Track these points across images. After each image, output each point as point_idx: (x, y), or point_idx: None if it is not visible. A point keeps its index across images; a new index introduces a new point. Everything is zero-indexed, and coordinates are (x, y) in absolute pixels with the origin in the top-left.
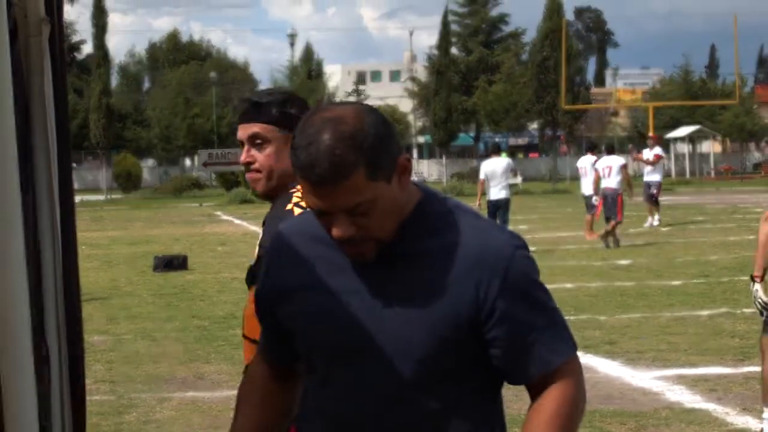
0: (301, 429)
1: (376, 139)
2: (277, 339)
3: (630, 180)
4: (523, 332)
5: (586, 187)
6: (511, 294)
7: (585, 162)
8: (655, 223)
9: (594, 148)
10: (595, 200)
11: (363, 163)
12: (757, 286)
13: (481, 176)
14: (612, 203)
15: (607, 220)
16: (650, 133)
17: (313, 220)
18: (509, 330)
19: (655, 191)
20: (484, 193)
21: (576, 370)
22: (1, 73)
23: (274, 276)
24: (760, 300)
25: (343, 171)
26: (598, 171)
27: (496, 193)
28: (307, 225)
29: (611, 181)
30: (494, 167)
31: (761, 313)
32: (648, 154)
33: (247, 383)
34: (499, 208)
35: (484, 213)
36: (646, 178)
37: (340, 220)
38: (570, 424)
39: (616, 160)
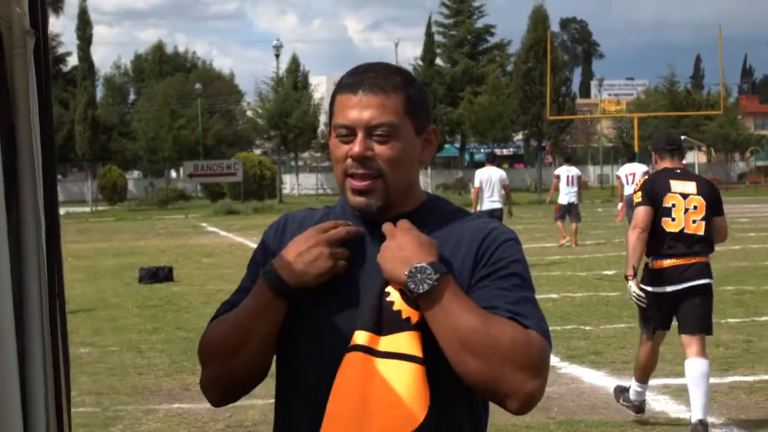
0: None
1: (421, 91)
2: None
3: None
4: (494, 297)
5: (563, 197)
6: (494, 272)
7: (561, 171)
8: None
9: (570, 159)
10: (619, 206)
11: (405, 95)
12: (631, 283)
13: (476, 184)
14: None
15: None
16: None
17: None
18: (485, 295)
19: None
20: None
21: (545, 345)
22: None
23: (272, 246)
24: (634, 294)
25: (390, 83)
26: (621, 178)
27: (491, 203)
28: (313, 213)
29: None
30: (490, 175)
31: (637, 305)
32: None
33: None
34: (493, 218)
35: None
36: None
37: (360, 140)
38: (524, 352)
39: (639, 167)
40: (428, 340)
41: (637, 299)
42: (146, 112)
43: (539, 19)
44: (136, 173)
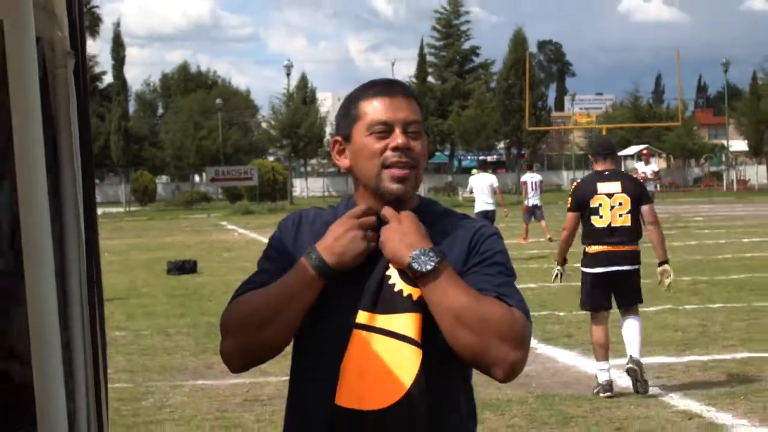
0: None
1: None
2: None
3: None
4: (483, 281)
5: (530, 201)
6: (482, 261)
7: (527, 178)
8: None
9: (531, 167)
10: None
11: (418, 104)
12: (557, 267)
13: (468, 188)
14: None
15: None
16: (644, 151)
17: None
18: (475, 279)
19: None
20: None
21: (526, 321)
22: (31, 101)
23: (289, 233)
24: (557, 271)
25: (411, 92)
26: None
27: (486, 205)
28: (321, 212)
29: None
30: (482, 181)
31: (581, 299)
32: (644, 168)
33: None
34: (486, 219)
35: None
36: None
37: (399, 134)
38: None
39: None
40: (426, 324)
41: (555, 276)
42: (173, 124)
43: (519, 41)
44: (164, 178)
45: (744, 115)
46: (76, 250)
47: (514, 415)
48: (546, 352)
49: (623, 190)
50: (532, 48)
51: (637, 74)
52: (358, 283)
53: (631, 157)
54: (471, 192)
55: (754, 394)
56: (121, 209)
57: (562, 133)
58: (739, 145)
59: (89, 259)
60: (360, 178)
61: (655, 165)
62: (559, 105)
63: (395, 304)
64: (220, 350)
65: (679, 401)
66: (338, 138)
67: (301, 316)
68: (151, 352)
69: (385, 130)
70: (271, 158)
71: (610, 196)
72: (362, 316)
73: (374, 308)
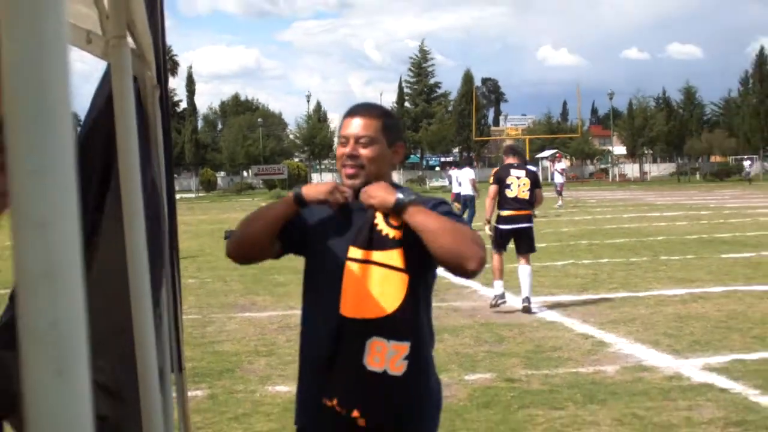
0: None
1: (394, 119)
2: (293, 234)
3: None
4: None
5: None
6: (436, 211)
7: (454, 173)
8: (560, 203)
9: (458, 165)
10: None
11: (381, 122)
12: (486, 227)
13: (453, 179)
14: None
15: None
16: (557, 154)
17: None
18: None
19: (560, 187)
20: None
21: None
22: (129, 120)
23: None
24: (488, 232)
25: (373, 113)
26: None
27: (466, 192)
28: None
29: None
30: (464, 175)
31: (491, 241)
32: (557, 165)
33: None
34: (467, 201)
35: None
36: (556, 180)
37: (351, 144)
38: (460, 232)
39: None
40: (407, 257)
41: (488, 234)
42: (228, 136)
43: (468, 78)
44: (222, 173)
45: (623, 129)
46: (162, 222)
47: (465, 336)
48: (487, 293)
49: (526, 176)
50: (477, 82)
51: (549, 101)
52: (351, 230)
53: (546, 158)
54: (457, 182)
55: (631, 322)
56: (192, 195)
57: (498, 141)
58: (619, 150)
59: (171, 228)
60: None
61: (564, 164)
62: (496, 122)
63: (383, 242)
64: (226, 249)
65: (579, 327)
66: None
67: (276, 222)
68: (213, 293)
69: (344, 141)
70: (296, 159)
71: (518, 178)
72: (357, 252)
73: (368, 246)
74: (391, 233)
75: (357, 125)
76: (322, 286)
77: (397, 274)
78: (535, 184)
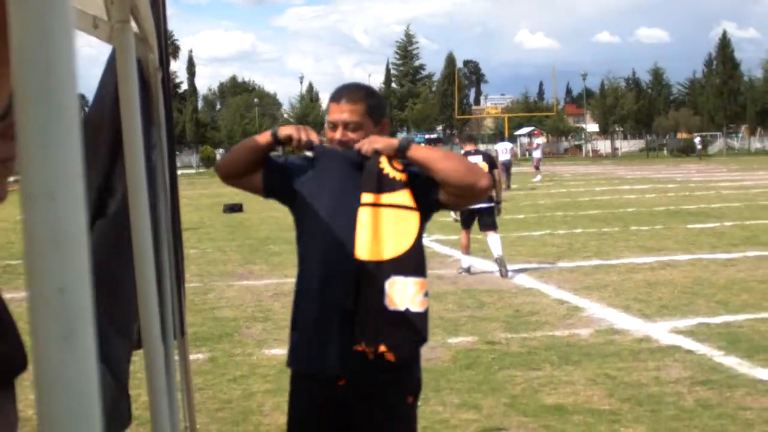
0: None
1: (376, 98)
2: (275, 173)
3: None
4: None
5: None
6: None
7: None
8: (539, 179)
9: (441, 141)
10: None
11: (366, 104)
12: (453, 213)
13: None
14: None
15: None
16: (535, 131)
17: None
18: None
19: (537, 162)
20: None
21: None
22: (133, 100)
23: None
24: (453, 216)
25: (357, 98)
26: (497, 151)
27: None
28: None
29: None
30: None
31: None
32: (536, 140)
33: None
34: None
35: None
36: (534, 155)
37: (340, 131)
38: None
39: (506, 144)
40: (416, 196)
41: (453, 218)
42: (226, 115)
43: (450, 60)
44: (221, 150)
45: (596, 108)
46: (164, 195)
47: (448, 302)
48: (469, 262)
49: (483, 160)
50: (459, 64)
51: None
52: (353, 179)
53: (523, 135)
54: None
55: (603, 288)
56: (192, 171)
57: (479, 119)
58: (592, 127)
59: (173, 202)
60: None
61: (541, 139)
62: (477, 102)
63: (392, 185)
64: (215, 166)
65: (555, 293)
66: None
67: (256, 148)
68: (213, 263)
69: (333, 127)
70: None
71: (476, 163)
72: (369, 197)
73: (378, 190)
74: (398, 176)
75: (343, 111)
76: (333, 235)
77: (409, 212)
78: (491, 166)
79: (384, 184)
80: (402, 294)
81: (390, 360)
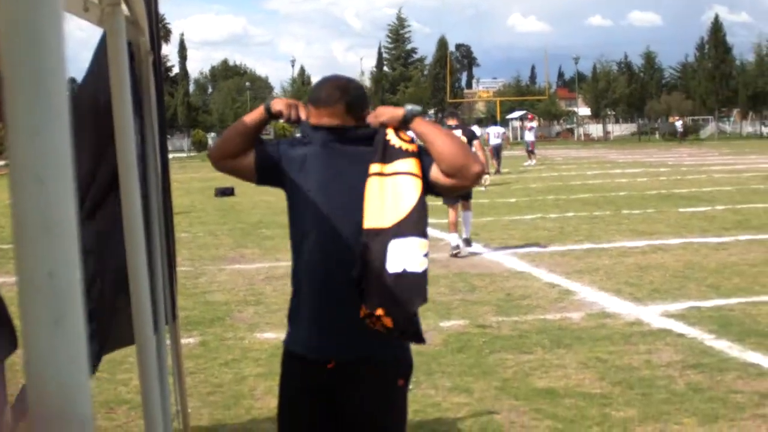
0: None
1: (354, 92)
2: (266, 154)
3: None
4: None
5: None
6: None
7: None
8: (533, 162)
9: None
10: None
11: (344, 102)
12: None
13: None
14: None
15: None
16: (529, 115)
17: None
18: None
19: (530, 146)
20: None
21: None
22: (124, 83)
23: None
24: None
25: (333, 100)
26: (489, 134)
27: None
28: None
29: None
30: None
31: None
32: (529, 124)
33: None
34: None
35: None
36: (526, 138)
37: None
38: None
39: (497, 128)
40: (422, 165)
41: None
42: (218, 99)
43: (443, 43)
44: (213, 134)
45: (588, 92)
46: (155, 180)
47: (440, 286)
48: (458, 240)
49: (463, 134)
50: (451, 48)
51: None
52: (354, 150)
53: (515, 119)
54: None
55: (595, 271)
56: (184, 155)
57: (471, 103)
58: (584, 111)
59: (164, 186)
60: None
61: (534, 123)
62: (469, 85)
63: (398, 154)
64: (208, 151)
65: (546, 276)
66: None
67: (251, 126)
68: (204, 247)
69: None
70: (282, 121)
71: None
72: (376, 167)
73: (384, 160)
74: (405, 146)
75: (322, 116)
76: (331, 211)
77: (412, 178)
78: (470, 139)
79: (390, 155)
80: (401, 255)
81: (387, 326)
